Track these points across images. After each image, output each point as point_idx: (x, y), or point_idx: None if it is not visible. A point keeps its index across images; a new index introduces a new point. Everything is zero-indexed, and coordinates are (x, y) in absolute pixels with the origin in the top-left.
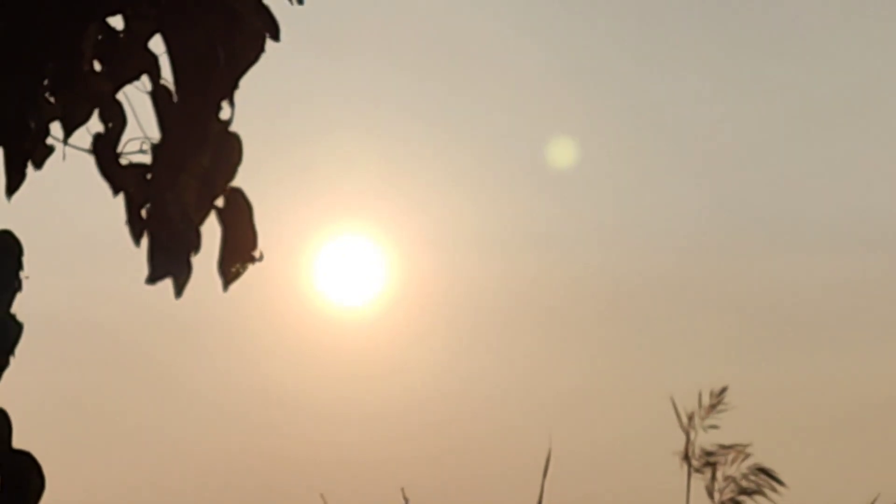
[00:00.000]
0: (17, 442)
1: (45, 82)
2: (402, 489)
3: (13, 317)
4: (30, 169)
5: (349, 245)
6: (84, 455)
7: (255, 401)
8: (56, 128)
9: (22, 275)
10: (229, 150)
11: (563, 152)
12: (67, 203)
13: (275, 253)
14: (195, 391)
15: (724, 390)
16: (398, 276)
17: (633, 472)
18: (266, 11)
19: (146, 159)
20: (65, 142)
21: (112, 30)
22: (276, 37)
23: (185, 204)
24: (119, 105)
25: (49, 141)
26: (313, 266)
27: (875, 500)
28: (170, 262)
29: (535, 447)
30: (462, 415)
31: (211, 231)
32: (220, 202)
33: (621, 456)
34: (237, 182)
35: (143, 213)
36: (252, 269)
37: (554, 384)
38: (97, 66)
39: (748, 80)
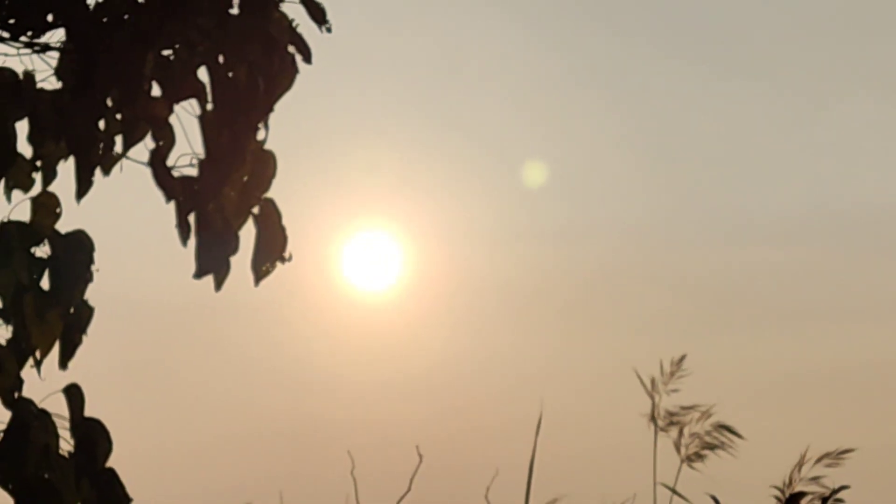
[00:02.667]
0: (88, 410)
1: (111, 103)
2: (417, 446)
3: (86, 302)
4: (99, 176)
5: (371, 239)
6: (146, 420)
7: (294, 370)
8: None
9: (93, 268)
10: (264, 165)
11: (538, 169)
12: (131, 206)
13: (308, 245)
14: (243, 363)
15: (682, 358)
16: (413, 265)
17: (611, 431)
18: (300, 38)
19: (194, 172)
20: (123, 155)
21: (167, 59)
22: (308, 60)
23: (226, 211)
24: (170, 126)
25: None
26: (341, 257)
27: (806, 450)
28: (212, 261)
29: (529, 410)
30: (467, 383)
31: (247, 234)
32: (255, 210)
33: (601, 417)
34: (275, 187)
35: (191, 218)
36: (289, 260)
37: (544, 358)
38: (155, 90)
39: (706, 93)
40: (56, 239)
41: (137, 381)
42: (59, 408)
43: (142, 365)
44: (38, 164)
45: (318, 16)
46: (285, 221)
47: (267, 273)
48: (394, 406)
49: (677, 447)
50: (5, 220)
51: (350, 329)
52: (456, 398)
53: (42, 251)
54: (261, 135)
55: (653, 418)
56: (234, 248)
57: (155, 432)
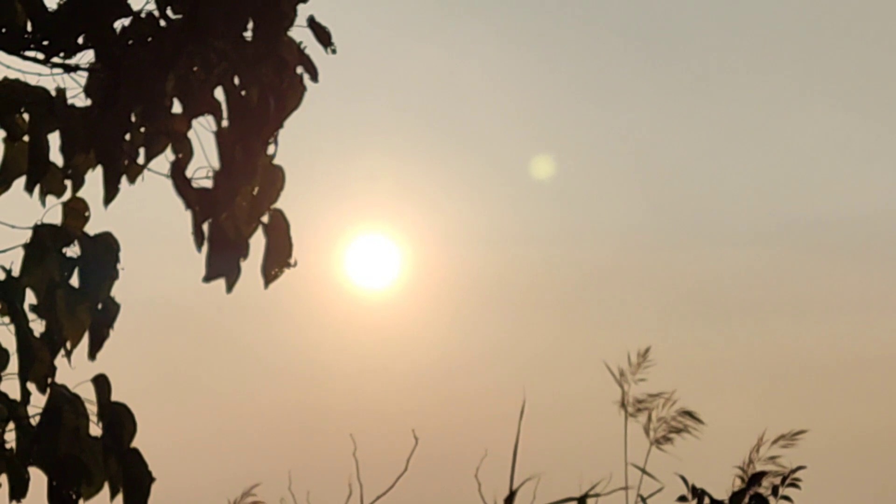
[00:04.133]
0: (115, 397)
1: (135, 119)
2: (413, 430)
3: (112, 299)
4: (125, 184)
5: (372, 241)
6: (167, 405)
7: (301, 361)
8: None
9: (119, 266)
10: (274, 179)
11: (544, 166)
12: (153, 212)
13: (313, 247)
14: (255, 355)
15: (647, 350)
16: (411, 266)
17: (586, 417)
18: (308, 59)
19: (209, 184)
20: (146, 166)
21: (187, 78)
22: (315, 78)
23: (238, 220)
24: (189, 140)
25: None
26: (344, 258)
27: (763, 433)
28: (224, 265)
29: (514, 399)
30: (459, 374)
31: (256, 242)
32: (265, 219)
33: (577, 404)
34: (285, 196)
35: (205, 226)
36: (300, 260)
37: (529, 352)
38: (175, 107)
39: (680, 110)
40: (85, 240)
41: (159, 372)
42: (89, 394)
43: (161, 357)
44: (69, 172)
45: (325, 39)
46: (293, 226)
47: (276, 277)
48: (393, 395)
49: (646, 431)
50: (39, 223)
51: (352, 325)
52: (449, 388)
53: (72, 251)
54: (271, 150)
55: (623, 405)
56: (244, 254)
57: (174, 419)
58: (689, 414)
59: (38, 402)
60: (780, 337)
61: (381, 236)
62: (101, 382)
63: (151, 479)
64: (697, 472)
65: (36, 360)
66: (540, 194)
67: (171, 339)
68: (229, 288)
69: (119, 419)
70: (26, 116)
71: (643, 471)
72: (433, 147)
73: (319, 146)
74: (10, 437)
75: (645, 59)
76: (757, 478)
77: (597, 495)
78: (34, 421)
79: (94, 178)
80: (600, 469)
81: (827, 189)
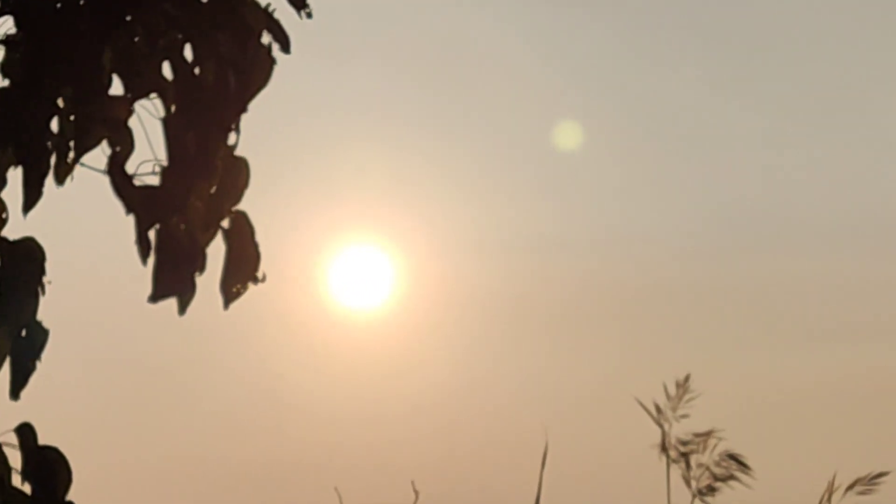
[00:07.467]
0: (45, 440)
1: (63, 103)
2: (412, 482)
3: (39, 324)
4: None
5: (360, 253)
6: (108, 452)
7: (273, 398)
8: None
9: (45, 280)
10: (236, 173)
11: (573, 155)
12: (87, 218)
13: (288, 258)
14: (214, 391)
15: (687, 379)
16: (407, 281)
17: (618, 466)
18: (277, 24)
19: (156, 182)
20: (75, 162)
21: (128, 51)
22: (286, 49)
23: (192, 225)
24: (129, 129)
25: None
26: (326, 271)
27: (833, 477)
28: (175, 281)
29: (532, 438)
30: (467, 410)
31: (215, 252)
32: (225, 224)
33: (607, 450)
34: (252, 197)
35: (152, 233)
36: (272, 275)
37: (549, 381)
38: (115, 87)
39: (743, 78)
40: (2, 247)
41: (97, 413)
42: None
43: (100, 395)
44: None
45: (297, 0)
46: (261, 236)
47: (238, 295)
48: (386, 438)
49: (687, 481)
50: None
51: (336, 354)
52: (455, 430)
53: None
54: (232, 139)
55: (663, 448)
56: (200, 267)
57: (117, 469)
58: (735, 458)
59: None
60: (852, 362)
61: (372, 246)
62: (26, 434)
63: None
64: None
65: None
66: (566, 192)
67: (111, 373)
68: (182, 309)
69: (51, 465)
70: None
71: None
72: (437, 133)
73: (293, 134)
74: None
75: (704, 8)
76: None
77: None
78: None
79: (18, 177)
80: None
81: None
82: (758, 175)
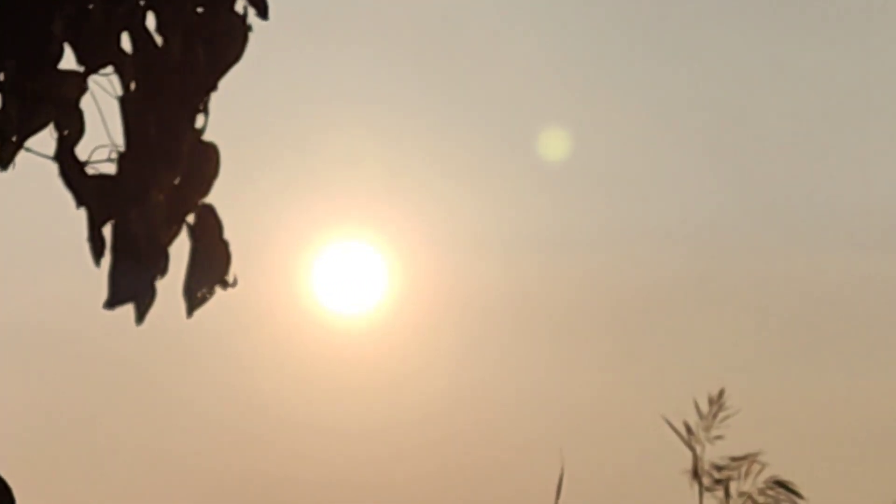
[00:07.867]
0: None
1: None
2: None
3: None
4: None
5: (348, 250)
6: (59, 473)
7: (250, 414)
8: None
9: None
10: (204, 162)
11: (558, 147)
12: (33, 210)
13: (265, 258)
14: (186, 403)
15: (721, 394)
16: (399, 282)
17: (641, 496)
18: None
19: (112, 170)
20: (19, 146)
21: (81, 17)
22: (264, 15)
23: (153, 221)
24: (80, 110)
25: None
26: (310, 272)
27: None
28: (133, 285)
29: (547, 464)
30: (469, 430)
31: (178, 251)
32: (190, 219)
33: (628, 475)
34: (223, 189)
35: (107, 230)
36: (248, 277)
37: (560, 393)
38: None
39: (764, 67)
40: None
41: (48, 428)
42: None
43: (50, 409)
44: None
45: None
46: (232, 233)
47: (203, 300)
48: (379, 460)
49: None
50: None
51: (321, 364)
52: (457, 451)
53: None
54: (200, 122)
55: (695, 475)
56: (161, 269)
57: (71, 492)
58: (784, 486)
59: None
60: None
61: (361, 243)
62: None
63: None
64: None
65: None
66: (578, 182)
67: (63, 384)
68: (140, 317)
69: None
70: None
71: None
72: (433, 122)
73: (272, 117)
74: None
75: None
76: None
77: None
78: None
79: None
80: None
81: None
82: (771, 171)
